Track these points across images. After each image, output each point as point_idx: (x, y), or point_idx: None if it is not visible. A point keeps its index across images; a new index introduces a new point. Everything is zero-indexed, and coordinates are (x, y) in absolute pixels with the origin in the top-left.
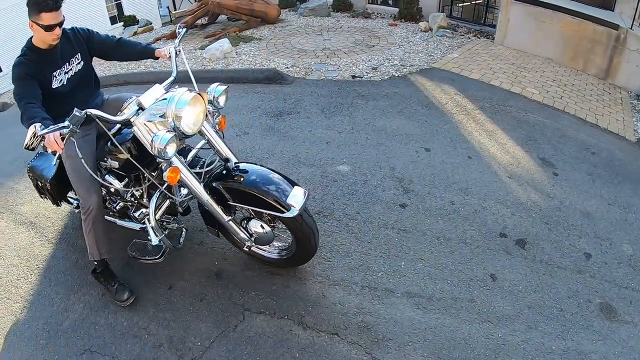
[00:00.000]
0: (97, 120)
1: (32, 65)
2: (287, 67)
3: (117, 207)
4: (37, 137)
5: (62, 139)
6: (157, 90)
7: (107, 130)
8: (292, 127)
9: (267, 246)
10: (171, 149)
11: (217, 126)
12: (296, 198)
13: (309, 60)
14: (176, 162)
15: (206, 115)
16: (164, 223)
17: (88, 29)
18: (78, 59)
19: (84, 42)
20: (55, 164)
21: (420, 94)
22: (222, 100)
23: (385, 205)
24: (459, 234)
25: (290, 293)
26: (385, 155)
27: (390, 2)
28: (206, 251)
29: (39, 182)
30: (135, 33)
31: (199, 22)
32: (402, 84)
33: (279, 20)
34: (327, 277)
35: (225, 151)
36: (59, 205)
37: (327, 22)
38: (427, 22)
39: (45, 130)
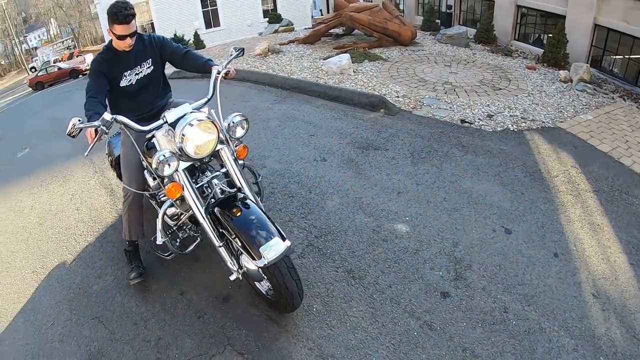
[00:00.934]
0: (122, 126)
1: (105, 63)
2: (398, 97)
3: (161, 199)
4: (75, 128)
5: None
6: (184, 108)
7: (130, 136)
8: (372, 165)
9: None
10: (167, 168)
11: (235, 154)
12: (271, 250)
13: (424, 93)
14: (180, 179)
15: (227, 142)
16: (184, 227)
17: (163, 37)
18: (149, 64)
19: (157, 49)
20: None
21: (530, 158)
22: (239, 131)
23: (424, 288)
24: (492, 353)
25: (276, 347)
26: (454, 226)
27: (544, 40)
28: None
29: (109, 157)
30: (275, 31)
31: (335, 31)
32: (513, 140)
33: (413, 43)
34: (319, 347)
35: (240, 181)
36: (122, 181)
37: (462, 54)
38: (569, 71)
39: (80, 125)
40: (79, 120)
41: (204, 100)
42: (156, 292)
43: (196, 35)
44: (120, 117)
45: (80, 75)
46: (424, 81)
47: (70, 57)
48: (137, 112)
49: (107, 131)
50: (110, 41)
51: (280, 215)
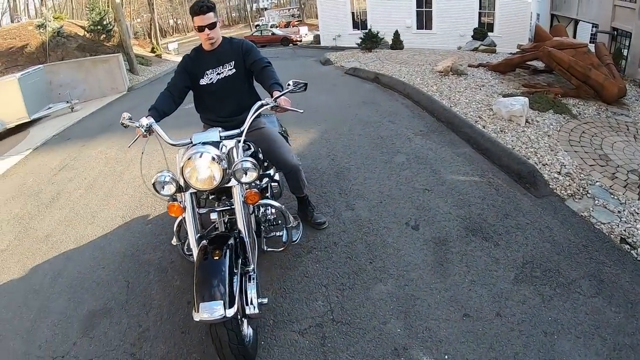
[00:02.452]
0: (156, 133)
1: (190, 61)
2: (559, 173)
3: None
4: (125, 120)
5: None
6: (211, 133)
7: (161, 146)
8: (463, 261)
9: None
10: (162, 190)
11: (243, 196)
12: (208, 311)
13: (596, 177)
14: (184, 202)
15: (239, 183)
16: None
17: (252, 46)
18: (231, 66)
19: (242, 54)
20: None
21: None
22: (244, 177)
23: None
24: None
25: None
26: None
27: None
28: None
29: None
30: (475, 49)
31: (535, 64)
32: None
33: (618, 102)
34: None
35: (243, 224)
36: None
37: None
38: None
39: (125, 122)
40: (129, 117)
41: (234, 132)
42: (175, 288)
43: (396, 34)
44: (155, 126)
45: (290, 45)
46: (605, 159)
47: (287, 25)
48: (219, 114)
49: (145, 133)
50: (201, 44)
51: (320, 276)
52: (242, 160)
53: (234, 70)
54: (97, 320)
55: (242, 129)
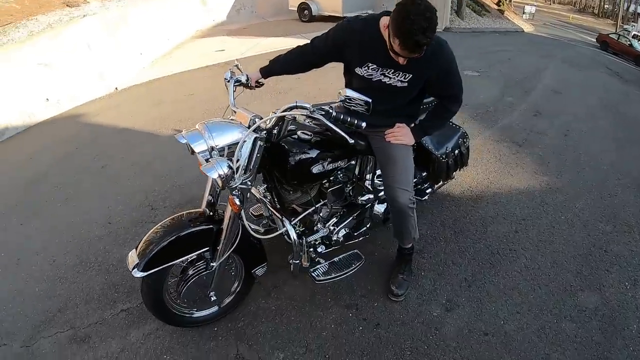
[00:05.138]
0: (228, 88)
1: (353, 38)
2: None
3: None
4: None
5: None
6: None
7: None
8: None
9: None
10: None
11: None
12: (128, 257)
13: None
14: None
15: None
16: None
17: (454, 69)
18: (405, 78)
19: (430, 74)
20: None
21: None
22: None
23: None
24: None
25: None
26: None
27: None
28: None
29: None
30: None
31: None
32: None
33: None
34: None
35: (225, 218)
36: None
37: None
38: None
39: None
40: (235, 65)
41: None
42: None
43: None
44: (230, 82)
45: None
46: None
47: None
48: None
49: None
50: (379, 19)
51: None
52: (215, 161)
53: (405, 85)
54: None
55: (267, 124)
